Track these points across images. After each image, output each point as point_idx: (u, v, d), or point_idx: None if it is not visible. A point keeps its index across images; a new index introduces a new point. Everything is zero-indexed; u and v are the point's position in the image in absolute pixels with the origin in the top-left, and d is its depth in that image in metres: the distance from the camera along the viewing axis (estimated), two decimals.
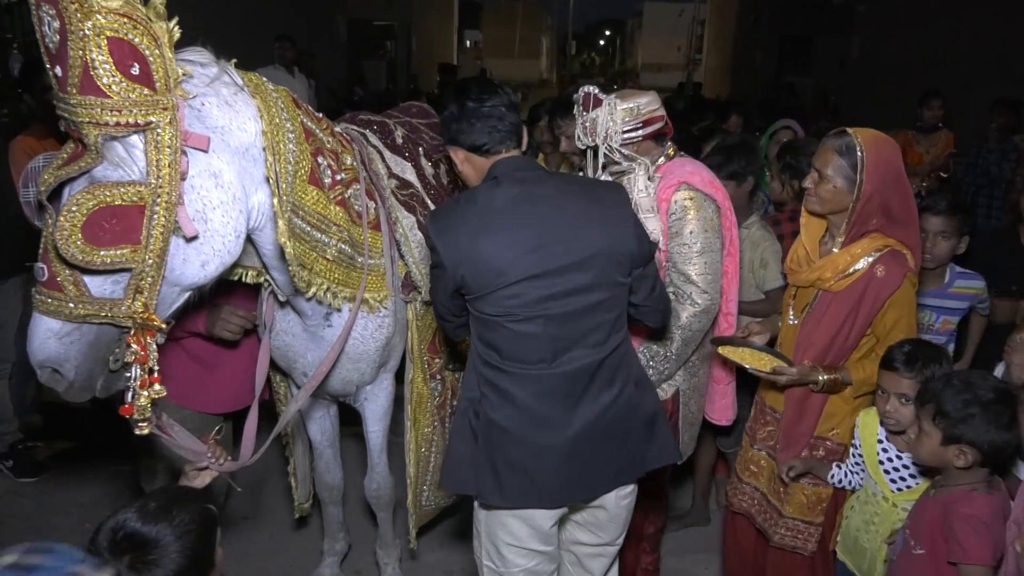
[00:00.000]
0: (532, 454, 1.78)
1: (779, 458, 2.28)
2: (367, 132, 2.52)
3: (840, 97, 11.74)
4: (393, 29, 19.06)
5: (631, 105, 2.26)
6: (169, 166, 1.50)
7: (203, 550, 1.34)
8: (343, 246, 2.02)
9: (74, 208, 1.43)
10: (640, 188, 2.27)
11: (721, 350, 2.29)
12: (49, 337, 1.50)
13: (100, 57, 1.39)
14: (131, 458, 2.63)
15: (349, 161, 2.13)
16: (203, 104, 1.60)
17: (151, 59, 1.45)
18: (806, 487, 2.27)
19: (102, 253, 1.47)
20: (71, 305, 1.49)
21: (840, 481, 2.21)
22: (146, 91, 1.45)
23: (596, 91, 2.31)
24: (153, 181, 1.49)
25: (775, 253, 2.84)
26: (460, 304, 1.85)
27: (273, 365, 2.39)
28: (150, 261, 1.53)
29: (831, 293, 2.15)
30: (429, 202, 2.50)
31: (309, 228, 1.88)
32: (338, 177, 2.02)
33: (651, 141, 2.32)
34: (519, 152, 1.84)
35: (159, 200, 1.50)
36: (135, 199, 1.48)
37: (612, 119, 2.25)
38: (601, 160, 2.34)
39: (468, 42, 41.18)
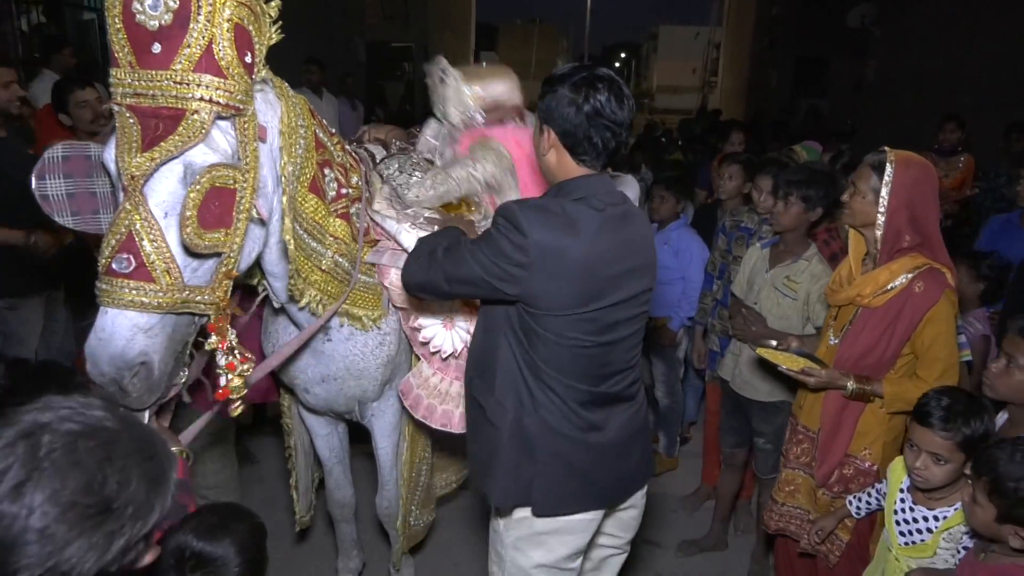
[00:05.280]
0: (587, 455, 1.79)
1: (817, 475, 2.32)
2: (376, 153, 2.53)
3: (855, 119, 11.73)
4: (411, 50, 19.29)
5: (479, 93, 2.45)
6: (253, 152, 1.55)
7: (260, 562, 1.42)
8: (340, 259, 2.01)
9: (198, 188, 1.43)
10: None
11: (759, 351, 2.39)
12: (136, 333, 1.44)
13: (226, 40, 1.44)
14: None
15: (355, 180, 2.15)
16: (257, 100, 1.65)
17: (258, 51, 1.51)
18: (835, 500, 2.32)
19: (207, 236, 1.47)
20: (161, 294, 1.44)
21: (859, 510, 2.22)
22: (247, 79, 1.51)
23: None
24: (244, 165, 1.52)
25: None
26: (471, 293, 1.81)
27: (279, 379, 2.42)
28: (236, 246, 1.54)
29: (870, 309, 2.19)
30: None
31: (304, 235, 1.87)
32: (343, 191, 2.03)
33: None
34: (604, 172, 1.77)
35: (246, 184, 1.53)
36: (230, 183, 1.50)
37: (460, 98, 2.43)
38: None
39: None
